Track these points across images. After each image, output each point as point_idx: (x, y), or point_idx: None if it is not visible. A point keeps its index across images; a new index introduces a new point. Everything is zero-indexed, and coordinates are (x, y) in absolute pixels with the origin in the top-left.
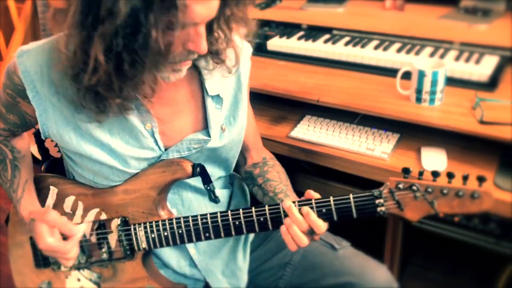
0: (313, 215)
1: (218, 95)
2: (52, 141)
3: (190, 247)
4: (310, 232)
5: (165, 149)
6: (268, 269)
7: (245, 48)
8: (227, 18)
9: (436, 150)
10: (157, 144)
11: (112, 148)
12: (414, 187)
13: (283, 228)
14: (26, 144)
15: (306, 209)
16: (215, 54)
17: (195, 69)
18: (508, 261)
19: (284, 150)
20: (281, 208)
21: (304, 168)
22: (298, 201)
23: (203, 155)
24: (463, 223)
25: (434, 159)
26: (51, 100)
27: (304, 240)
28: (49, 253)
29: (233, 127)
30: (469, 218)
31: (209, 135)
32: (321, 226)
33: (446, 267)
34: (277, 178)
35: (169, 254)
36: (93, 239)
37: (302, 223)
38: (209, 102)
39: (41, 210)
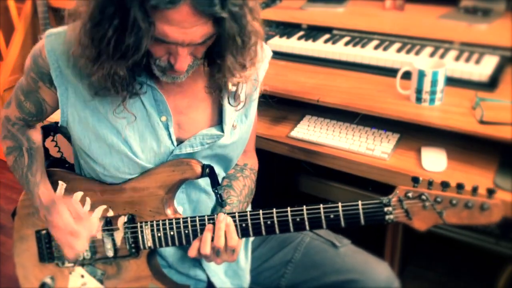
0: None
1: (236, 91)
2: (52, 140)
3: None
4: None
5: (178, 143)
6: (270, 267)
7: (265, 51)
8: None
9: (436, 150)
10: (170, 138)
11: (126, 136)
12: (424, 197)
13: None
14: (40, 137)
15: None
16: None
17: None
18: (508, 261)
19: (284, 150)
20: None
21: (304, 168)
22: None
23: (213, 151)
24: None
25: (434, 159)
26: (73, 82)
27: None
28: (62, 234)
29: (244, 124)
30: None
31: (222, 131)
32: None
33: (446, 267)
34: (238, 191)
35: (173, 254)
36: (99, 235)
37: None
38: (226, 98)
39: (65, 196)
